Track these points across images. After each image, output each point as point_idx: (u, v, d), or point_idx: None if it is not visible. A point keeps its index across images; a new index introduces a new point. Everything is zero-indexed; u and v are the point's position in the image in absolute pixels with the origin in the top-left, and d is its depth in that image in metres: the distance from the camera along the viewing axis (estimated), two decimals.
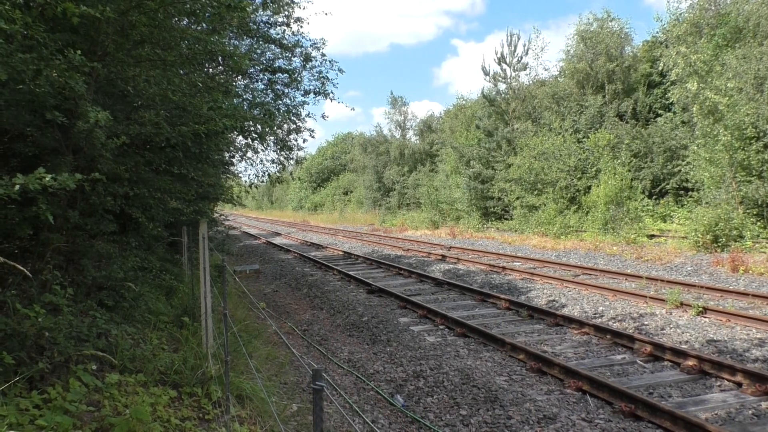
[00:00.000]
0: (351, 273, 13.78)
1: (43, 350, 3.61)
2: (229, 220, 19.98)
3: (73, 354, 3.72)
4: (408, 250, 19.43)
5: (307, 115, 9.99)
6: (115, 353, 4.28)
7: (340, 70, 9.92)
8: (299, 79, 9.75)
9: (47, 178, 2.76)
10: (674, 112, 20.80)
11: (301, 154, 11.09)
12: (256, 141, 8.66)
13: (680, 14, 20.89)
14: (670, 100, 20.37)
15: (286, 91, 9.99)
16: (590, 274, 12.44)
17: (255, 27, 9.14)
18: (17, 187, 2.69)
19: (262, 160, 12.18)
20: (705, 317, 8.31)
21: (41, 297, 3.86)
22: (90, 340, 3.98)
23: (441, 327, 8.53)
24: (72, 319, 3.92)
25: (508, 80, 28.21)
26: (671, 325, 7.97)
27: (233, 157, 11.51)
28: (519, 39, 27.52)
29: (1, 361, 3.19)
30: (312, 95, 9.87)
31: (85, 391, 3.49)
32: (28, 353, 3.50)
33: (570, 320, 8.25)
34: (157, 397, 3.90)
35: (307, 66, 9.79)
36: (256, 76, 9.79)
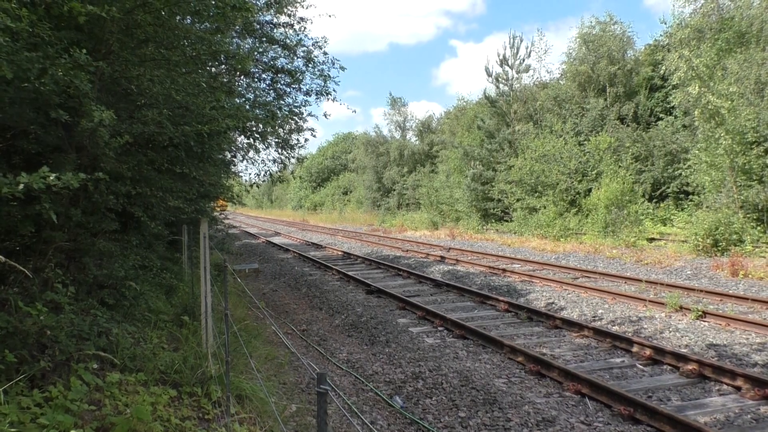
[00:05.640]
0: (350, 273, 13.78)
1: (44, 348, 3.62)
2: (229, 218, 19.99)
3: (75, 352, 3.72)
4: (407, 250, 19.44)
5: (309, 115, 9.98)
6: (116, 352, 4.28)
7: (341, 67, 9.90)
8: (301, 78, 9.73)
9: (51, 177, 2.75)
10: (675, 116, 20.81)
11: (302, 152, 11.06)
12: (257, 141, 8.65)
13: (684, 18, 20.88)
14: (672, 104, 20.38)
15: (288, 90, 9.97)
16: (590, 277, 12.44)
17: (258, 27, 9.13)
18: (21, 186, 2.69)
19: (263, 160, 12.15)
20: (704, 321, 8.32)
21: (43, 295, 3.86)
22: (91, 338, 3.98)
23: (440, 328, 8.54)
24: (73, 317, 3.92)
25: (510, 82, 28.23)
26: (670, 329, 7.97)
27: (234, 156, 11.51)
28: (521, 41, 27.59)
29: (2, 360, 3.19)
30: (314, 95, 9.86)
31: (86, 389, 3.49)
32: (30, 351, 3.50)
33: (569, 323, 8.26)
34: (158, 396, 3.90)
35: (309, 66, 9.77)
36: (259, 75, 9.76)
